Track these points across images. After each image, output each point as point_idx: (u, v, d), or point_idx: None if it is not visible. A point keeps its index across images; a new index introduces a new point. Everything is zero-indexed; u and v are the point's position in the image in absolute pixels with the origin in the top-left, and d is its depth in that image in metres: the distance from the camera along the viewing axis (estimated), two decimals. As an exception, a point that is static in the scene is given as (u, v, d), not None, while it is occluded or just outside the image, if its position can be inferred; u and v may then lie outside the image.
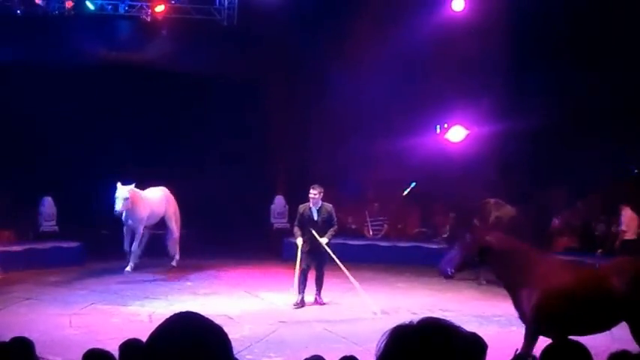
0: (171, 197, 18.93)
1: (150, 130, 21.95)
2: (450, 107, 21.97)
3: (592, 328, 9.37)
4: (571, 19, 20.15)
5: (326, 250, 14.98)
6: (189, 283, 17.47)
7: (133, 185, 17.53)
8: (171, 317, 2.72)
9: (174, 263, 18.69)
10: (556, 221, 20.15)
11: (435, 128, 22.72)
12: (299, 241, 15.12)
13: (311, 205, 15.18)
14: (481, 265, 11.61)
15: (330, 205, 15.35)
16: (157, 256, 18.76)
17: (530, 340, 9.54)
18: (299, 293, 15.06)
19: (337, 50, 21.20)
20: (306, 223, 15.14)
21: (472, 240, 10.23)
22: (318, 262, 15.12)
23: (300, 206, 15.44)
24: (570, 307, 9.36)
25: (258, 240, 21.66)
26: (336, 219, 15.41)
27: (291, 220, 18.52)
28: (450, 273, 10.50)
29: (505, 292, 10.27)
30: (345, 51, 21.05)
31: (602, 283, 9.39)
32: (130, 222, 17.64)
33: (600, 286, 9.36)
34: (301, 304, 15.01)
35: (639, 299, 9.13)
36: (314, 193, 15.12)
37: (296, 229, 15.31)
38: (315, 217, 15.14)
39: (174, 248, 18.84)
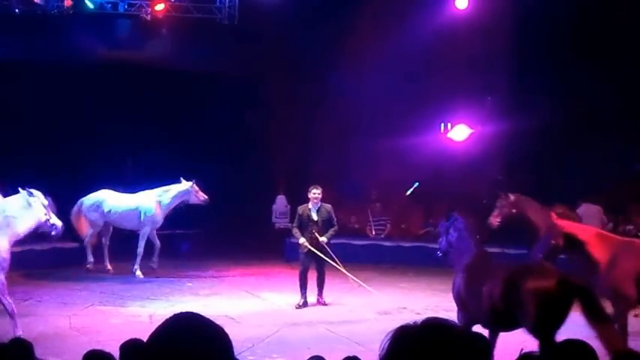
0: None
1: (150, 128, 21.80)
2: (453, 106, 21.87)
3: None
4: (575, 18, 20.03)
5: (326, 250, 14.89)
6: (190, 284, 17.37)
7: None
8: (171, 317, 2.71)
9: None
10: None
11: (440, 126, 22.56)
12: (302, 240, 15.01)
13: (310, 206, 15.11)
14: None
15: (330, 206, 15.30)
16: (159, 257, 18.63)
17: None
18: (301, 294, 14.96)
19: (339, 48, 21.12)
20: (306, 224, 15.06)
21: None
22: (318, 262, 15.02)
23: (299, 207, 15.38)
24: None
25: (260, 240, 21.56)
26: (335, 219, 15.32)
27: (293, 220, 18.43)
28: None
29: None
30: (347, 49, 20.97)
31: None
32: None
33: None
34: (304, 305, 14.92)
35: None
36: (317, 192, 15.06)
37: (295, 230, 15.23)
38: (315, 217, 15.05)
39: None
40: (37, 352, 6.37)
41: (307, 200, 15.20)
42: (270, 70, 22.25)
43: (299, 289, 15.02)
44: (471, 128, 22.17)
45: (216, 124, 22.25)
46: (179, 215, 20.76)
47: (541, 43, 20.59)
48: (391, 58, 20.52)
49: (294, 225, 15.35)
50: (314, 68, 21.93)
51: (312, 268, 15.07)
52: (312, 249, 14.86)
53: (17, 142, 20.24)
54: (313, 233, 14.91)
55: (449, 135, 22.55)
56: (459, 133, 22.36)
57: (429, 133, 22.29)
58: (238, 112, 22.25)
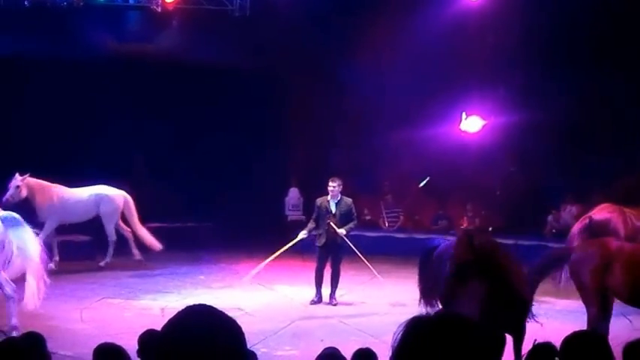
0: (113, 199, 18.55)
1: (161, 121, 21.75)
2: (467, 98, 21.73)
3: None
4: (590, 10, 19.88)
5: (343, 244, 14.76)
6: (202, 277, 17.33)
7: (28, 175, 17.38)
8: (183, 310, 2.72)
9: (102, 263, 18.29)
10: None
11: (452, 118, 22.38)
12: (302, 234, 14.89)
13: (329, 198, 14.89)
14: None
15: (350, 200, 15.09)
16: (170, 249, 18.59)
17: None
18: (316, 291, 14.82)
19: (353, 41, 21.02)
20: (324, 216, 14.85)
21: None
22: (334, 257, 14.82)
23: (318, 199, 15.15)
24: None
25: (273, 232, 21.50)
26: (355, 214, 15.16)
27: (306, 213, 18.35)
28: None
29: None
30: (361, 41, 20.86)
31: None
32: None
33: None
34: (318, 301, 14.79)
35: None
36: (333, 185, 14.82)
37: (311, 223, 15.06)
38: (334, 210, 14.84)
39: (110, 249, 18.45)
40: (49, 346, 6.35)
41: (323, 193, 15.04)
42: (282, 63, 22.14)
43: (314, 285, 14.88)
44: (485, 120, 22.05)
45: (228, 117, 22.17)
46: (191, 207, 20.74)
47: (555, 35, 20.46)
48: (405, 50, 20.42)
49: (312, 217, 15.13)
50: (327, 60, 21.85)
51: (327, 263, 14.89)
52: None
53: (26, 135, 20.21)
54: (330, 225, 14.74)
55: (462, 127, 22.42)
56: (473, 124, 22.24)
57: (443, 125, 22.16)
58: (251, 106, 22.17)
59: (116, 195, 18.45)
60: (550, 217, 20.47)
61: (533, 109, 20.07)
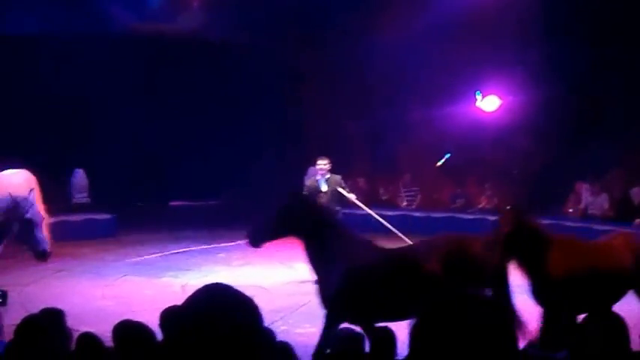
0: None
1: (181, 100, 21.83)
2: (484, 76, 21.65)
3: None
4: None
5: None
6: (222, 255, 17.42)
7: None
8: (200, 289, 2.76)
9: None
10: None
11: (470, 96, 22.33)
12: None
13: (318, 177, 14.75)
14: None
15: (339, 176, 14.85)
16: (192, 227, 18.69)
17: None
18: None
19: (370, 17, 20.93)
20: (315, 196, 14.55)
21: None
22: None
23: (307, 181, 15.14)
24: None
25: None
26: (347, 188, 15.03)
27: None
28: None
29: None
30: (378, 17, 20.78)
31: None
32: None
33: None
34: None
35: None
36: (323, 163, 14.66)
37: None
38: (324, 189, 14.66)
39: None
40: (70, 322, 6.39)
41: (333, 171, 14.87)
42: (299, 40, 22.15)
43: None
44: (502, 99, 21.99)
45: (245, 95, 22.21)
46: (214, 185, 20.75)
47: (572, 14, 20.33)
48: (422, 27, 20.31)
49: None
50: (344, 37, 21.79)
51: None
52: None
53: (49, 114, 20.32)
54: (340, 194, 14.59)
55: (479, 105, 22.37)
56: (490, 103, 22.20)
57: (460, 103, 22.12)
58: (269, 82, 22.20)
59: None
60: (571, 196, 20.42)
61: (551, 87, 20.02)
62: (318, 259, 9.33)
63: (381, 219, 15.31)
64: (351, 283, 8.96)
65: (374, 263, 9.12)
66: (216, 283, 2.80)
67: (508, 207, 10.07)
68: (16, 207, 9.78)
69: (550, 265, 9.10)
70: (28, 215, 9.89)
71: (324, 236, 9.25)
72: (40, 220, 10.03)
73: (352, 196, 14.78)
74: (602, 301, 9.16)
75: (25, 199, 9.85)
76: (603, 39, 20.05)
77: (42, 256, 10.15)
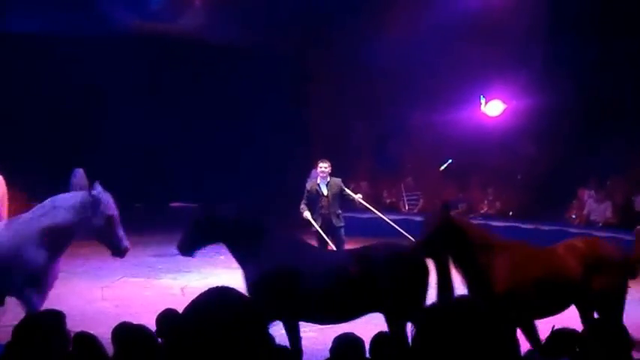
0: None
1: (185, 101, 21.78)
2: (488, 80, 21.62)
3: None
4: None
5: (339, 227, 14.65)
6: (222, 257, 17.33)
7: None
8: (205, 292, 2.75)
9: None
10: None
11: (474, 101, 22.31)
12: (307, 214, 14.57)
13: (319, 181, 14.66)
14: None
15: (339, 179, 14.79)
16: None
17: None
18: None
19: (374, 19, 20.92)
20: (315, 199, 14.61)
21: None
22: (336, 240, 14.49)
23: (308, 184, 14.97)
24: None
25: (294, 211, 21.51)
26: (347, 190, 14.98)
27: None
28: None
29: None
30: (382, 20, 20.77)
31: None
32: None
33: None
34: None
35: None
36: (324, 166, 14.58)
37: (303, 207, 14.68)
38: (325, 192, 14.61)
39: None
40: (69, 324, 6.34)
41: (334, 173, 14.82)
42: (303, 41, 22.13)
43: None
44: (506, 103, 21.96)
45: (249, 96, 22.17)
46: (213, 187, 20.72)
47: (577, 17, 20.30)
48: (426, 30, 20.30)
49: (303, 202, 14.75)
50: (348, 40, 21.78)
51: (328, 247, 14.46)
52: (317, 227, 14.57)
53: (50, 113, 20.30)
54: (322, 209, 14.53)
55: (483, 110, 22.35)
56: (494, 108, 22.18)
57: (464, 107, 22.09)
58: (272, 84, 22.16)
59: None
60: (574, 202, 20.38)
61: (556, 92, 19.98)
62: (243, 263, 9.47)
63: (386, 218, 15.23)
64: (268, 283, 8.93)
65: (298, 264, 9.13)
66: (222, 286, 2.79)
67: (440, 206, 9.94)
68: None
69: (492, 272, 8.90)
70: None
71: (247, 241, 9.40)
72: None
73: (359, 196, 14.72)
74: (544, 312, 9.01)
75: None
76: (613, 31, 19.94)
77: None
